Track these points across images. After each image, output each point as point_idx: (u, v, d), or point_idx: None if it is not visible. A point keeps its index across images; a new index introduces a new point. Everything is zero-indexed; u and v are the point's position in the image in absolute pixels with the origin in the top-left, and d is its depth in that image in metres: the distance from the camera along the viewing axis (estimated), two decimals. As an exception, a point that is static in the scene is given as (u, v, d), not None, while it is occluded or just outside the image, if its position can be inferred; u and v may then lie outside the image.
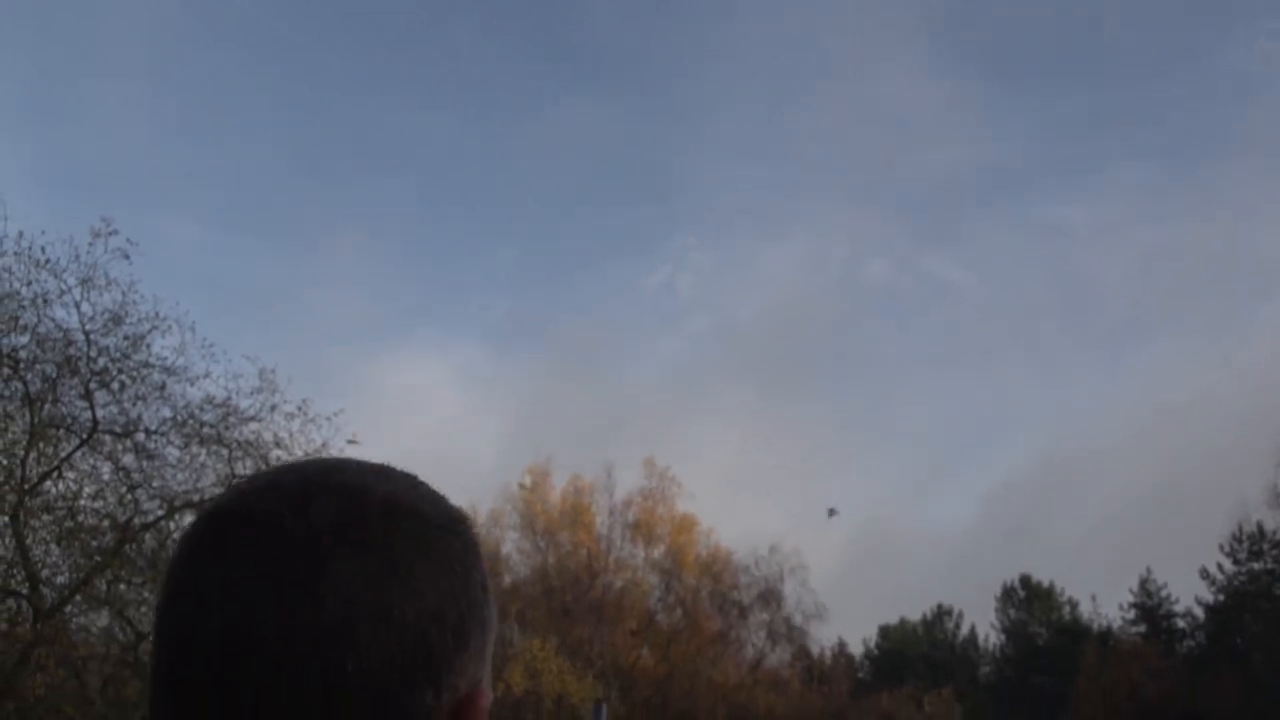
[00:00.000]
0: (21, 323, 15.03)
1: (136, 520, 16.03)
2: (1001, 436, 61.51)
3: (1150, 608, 41.17)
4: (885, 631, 47.31)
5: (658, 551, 37.18)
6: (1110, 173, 63.02)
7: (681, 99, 56.86)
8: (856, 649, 45.56)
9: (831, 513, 30.90)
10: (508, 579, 35.87)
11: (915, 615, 48.22)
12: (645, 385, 55.22)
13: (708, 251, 59.21)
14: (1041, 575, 45.85)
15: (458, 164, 55.30)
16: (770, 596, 36.34)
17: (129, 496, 16.23)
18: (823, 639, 39.39)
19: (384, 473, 0.83)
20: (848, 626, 59.10)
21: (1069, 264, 60.96)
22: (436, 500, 0.84)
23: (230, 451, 16.64)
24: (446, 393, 52.60)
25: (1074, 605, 45.17)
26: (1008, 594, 46.29)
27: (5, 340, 14.93)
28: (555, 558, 36.52)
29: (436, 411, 51.86)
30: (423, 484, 0.85)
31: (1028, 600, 45.86)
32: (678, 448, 55.03)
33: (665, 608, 36.70)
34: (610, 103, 56.61)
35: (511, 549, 36.63)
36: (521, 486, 36.52)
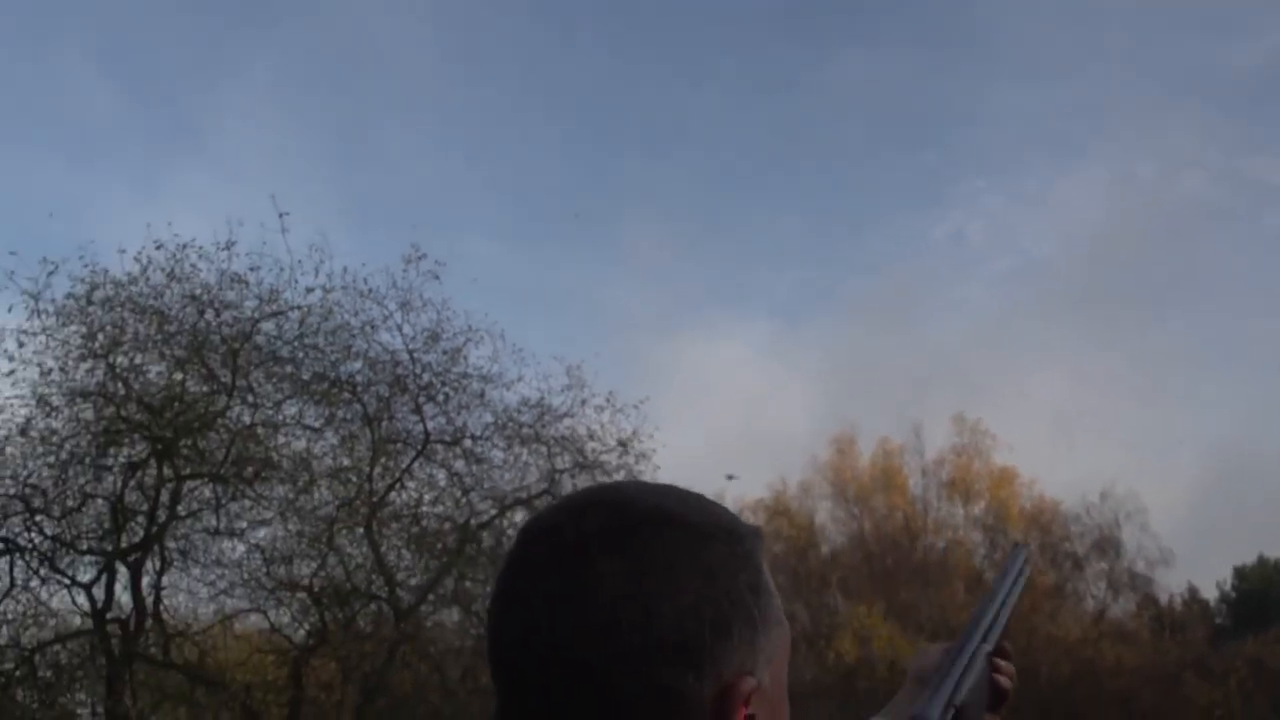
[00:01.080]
0: (354, 350, 16.29)
1: (473, 521, 17.05)
2: None
3: None
4: (1241, 573, 43.70)
5: (978, 508, 36.04)
6: None
7: (955, 31, 54.10)
8: (1210, 594, 42.32)
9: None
10: (825, 548, 35.76)
11: (1275, 553, 44.33)
12: (950, 339, 53.26)
13: (997, 193, 56.39)
14: None
15: (733, 138, 55.23)
16: (1107, 545, 34.42)
17: (464, 499, 17.29)
18: (1171, 586, 36.94)
19: (661, 490, 0.96)
20: (1199, 570, 55.23)
21: None
22: (707, 511, 0.94)
23: (549, 448, 17.41)
24: (747, 370, 52.69)
25: None
26: (1382, 522, 41.91)
27: (343, 368, 16.22)
28: (871, 523, 36.08)
29: (741, 390, 52.05)
30: (700, 498, 0.96)
31: (1407, 527, 41.36)
32: (996, 399, 52.75)
33: (993, 565, 35.44)
34: (882, 51, 54.81)
35: (825, 518, 36.48)
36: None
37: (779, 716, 0.96)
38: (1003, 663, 1.50)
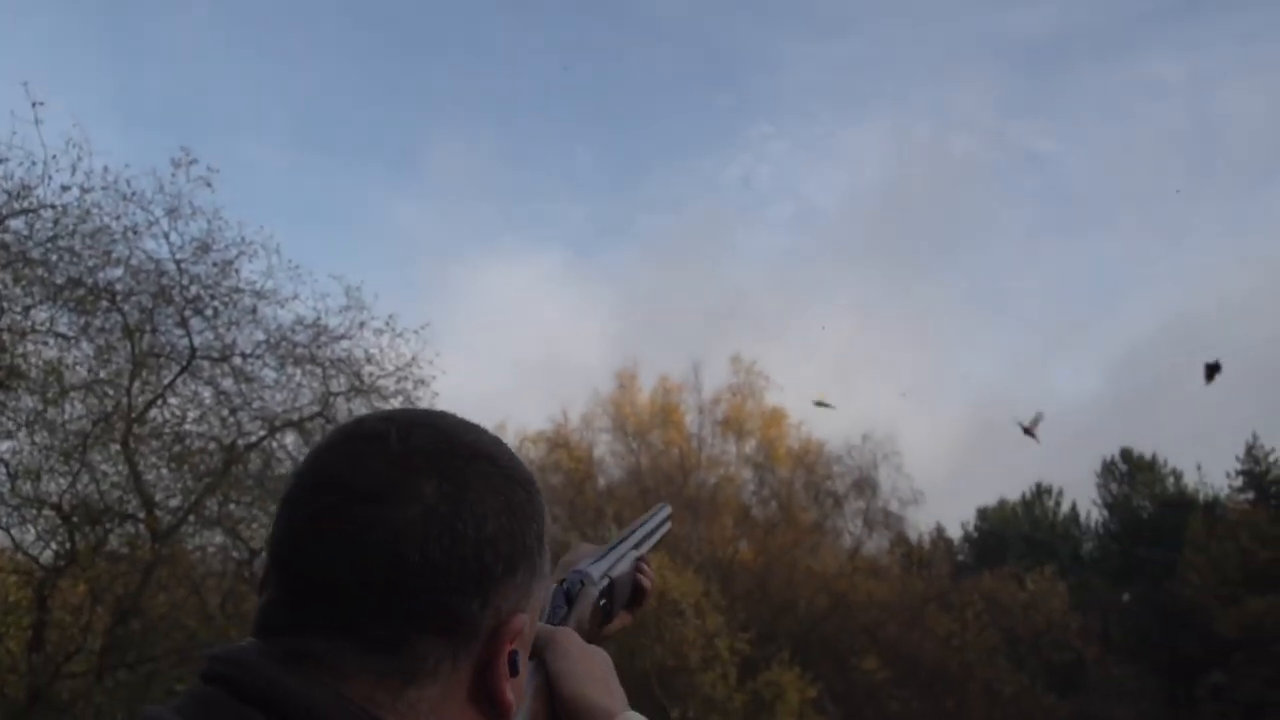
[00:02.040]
0: (114, 256, 15.36)
1: (240, 442, 16.48)
2: (1124, 303, 58.86)
3: (1258, 474, 40.35)
4: (983, 514, 46.95)
5: (749, 446, 37.28)
6: (1208, 19, 59.63)
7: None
8: (955, 533, 45.33)
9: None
10: (602, 481, 36.34)
11: (1014, 495, 47.81)
12: (737, 279, 54.66)
13: (785, 140, 57.88)
14: (1144, 448, 45.13)
15: (535, 66, 54.45)
16: (864, 485, 36.24)
17: (231, 419, 16.67)
18: (920, 524, 39.36)
19: (476, 428, 1.01)
20: (948, 511, 59.02)
21: (1171, 120, 57.86)
22: (511, 458, 1.00)
23: (324, 370, 16.96)
24: (538, 300, 52.70)
25: (1179, 477, 44.44)
26: (1108, 469, 45.60)
27: (101, 274, 15.28)
28: (648, 458, 36.84)
29: (531, 320, 52.01)
30: (504, 444, 1.01)
31: (1129, 474, 45.17)
32: (779, 340, 54.51)
33: (760, 501, 36.90)
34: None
35: (604, 451, 37.03)
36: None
37: (525, 662, 1.01)
38: (645, 566, 1.63)
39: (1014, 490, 47.73)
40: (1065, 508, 47.51)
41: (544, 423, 35.78)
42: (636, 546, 1.62)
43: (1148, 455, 45.50)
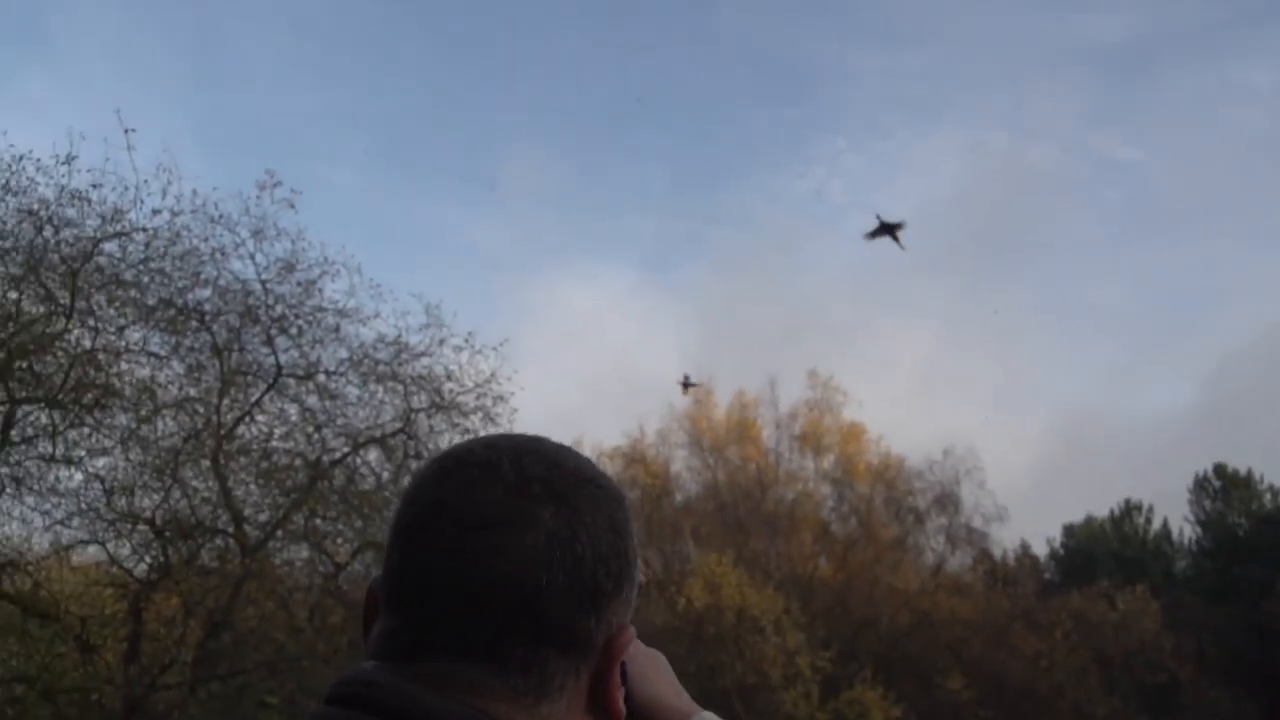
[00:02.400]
0: (203, 277, 15.75)
1: (325, 458, 16.75)
2: (1216, 314, 57.16)
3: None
4: (1070, 531, 45.91)
5: (827, 462, 36.94)
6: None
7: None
8: (1041, 550, 44.34)
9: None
10: (679, 497, 36.24)
11: (1102, 512, 46.68)
12: (811, 294, 54.37)
13: (859, 153, 57.48)
14: (1239, 463, 43.80)
15: (605, 85, 54.80)
16: (947, 501, 35.69)
17: (316, 435, 16.95)
18: (1004, 541, 38.64)
19: (574, 452, 1.05)
20: (1033, 527, 57.85)
21: (1260, 125, 56.27)
22: (609, 478, 1.05)
23: (405, 387, 17.18)
24: (612, 316, 52.89)
25: (1276, 493, 42.98)
26: (1201, 484, 44.35)
27: (190, 295, 15.67)
28: (725, 473, 36.68)
29: (605, 336, 52.21)
30: (597, 466, 1.06)
31: (1224, 490, 43.86)
32: (854, 354, 53.97)
33: (839, 517, 36.52)
34: (754, 6, 55.08)
35: (681, 467, 36.94)
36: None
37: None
38: None
39: (1102, 506, 46.64)
40: (1156, 524, 46.28)
41: (620, 438, 35.74)
42: None
43: (1243, 470, 44.17)
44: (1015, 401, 58.78)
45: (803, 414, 36.82)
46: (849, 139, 58.50)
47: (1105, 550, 43.67)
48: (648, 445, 35.96)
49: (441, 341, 17.09)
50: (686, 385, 29.09)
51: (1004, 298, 55.26)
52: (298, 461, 16.58)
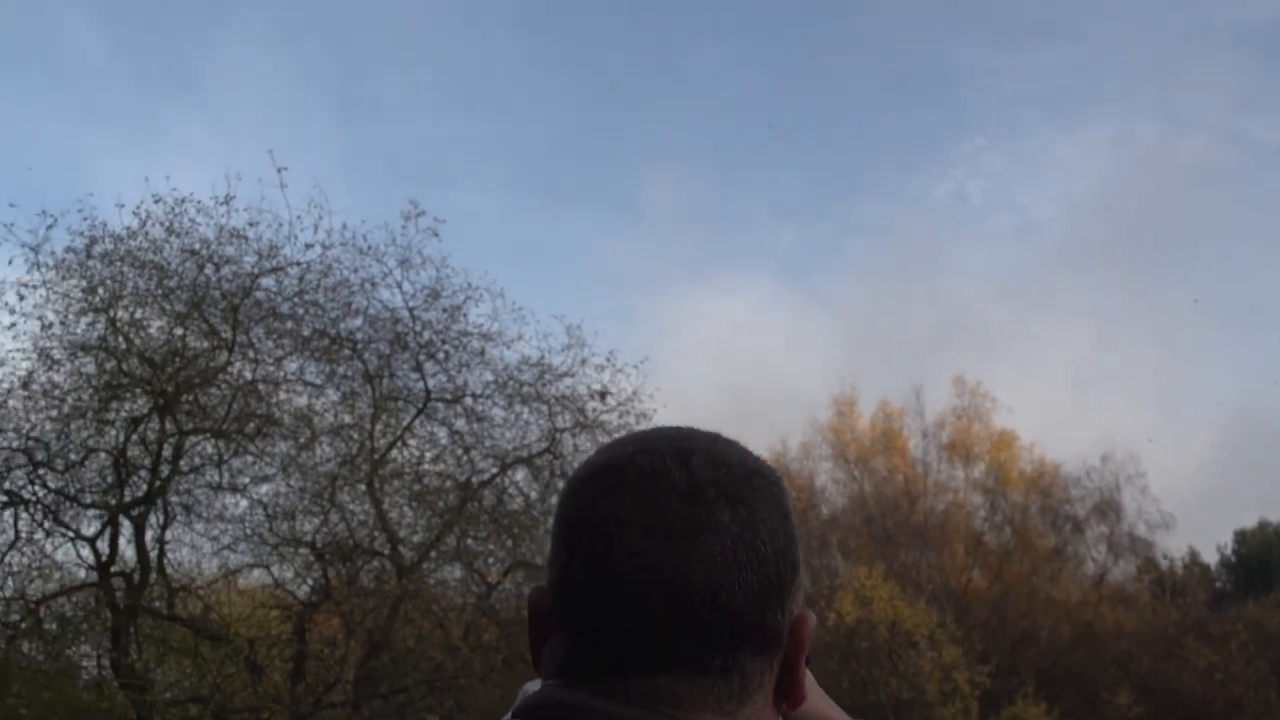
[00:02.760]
0: (354, 307, 16.25)
1: (475, 479, 17.07)
2: None
3: None
4: (1242, 537, 43.70)
5: (978, 471, 36.06)
6: None
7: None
8: (1211, 558, 42.28)
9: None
10: (825, 510, 35.81)
11: (1277, 517, 44.29)
12: (953, 298, 53.19)
13: (999, 152, 55.99)
14: None
15: (738, 95, 54.61)
16: (1107, 508, 34.44)
17: (465, 457, 17.30)
18: (1171, 550, 37.04)
19: (729, 442, 1.04)
20: (1203, 535, 55.33)
21: None
22: (763, 461, 1.03)
23: (550, 407, 17.40)
24: (752, 330, 52.65)
25: None
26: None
27: (343, 325, 16.18)
28: (871, 485, 36.12)
29: (747, 349, 51.98)
30: (750, 450, 1.04)
31: None
32: (1000, 359, 52.51)
33: (992, 527, 35.56)
34: (886, 8, 54.30)
35: (825, 480, 36.52)
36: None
37: None
38: None
39: (1275, 511, 44.27)
40: (1338, 529, 43.70)
41: (762, 452, 35.14)
42: None
43: None
44: (1179, 403, 56.30)
45: (950, 422, 36.08)
46: (988, 137, 57.00)
47: (1280, 556, 41.42)
48: (791, 459, 35.68)
49: (583, 361, 17.29)
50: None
51: (1160, 295, 53.01)
52: (448, 483, 16.96)
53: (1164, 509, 34.09)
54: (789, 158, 56.13)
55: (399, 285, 16.42)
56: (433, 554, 16.54)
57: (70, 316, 14.37)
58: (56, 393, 14.24)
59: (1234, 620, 30.80)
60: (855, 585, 27.52)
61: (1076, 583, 34.44)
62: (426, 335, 16.68)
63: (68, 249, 14.32)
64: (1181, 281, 54.71)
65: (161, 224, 14.71)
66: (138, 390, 14.46)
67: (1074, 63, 55.22)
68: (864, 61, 55.67)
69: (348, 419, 16.58)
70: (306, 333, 15.94)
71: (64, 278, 14.33)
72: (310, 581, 16.13)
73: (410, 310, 16.53)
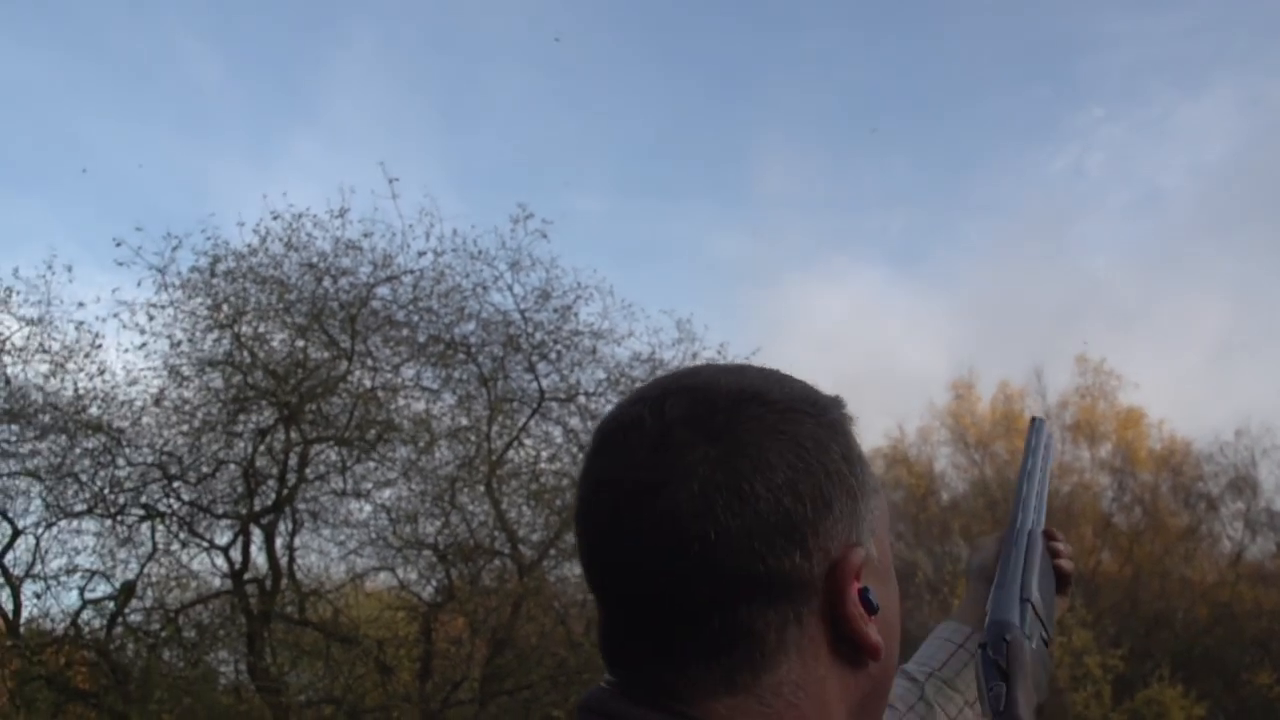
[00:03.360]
0: (467, 312, 16.52)
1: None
2: None
3: None
4: (1387, 509, 41.71)
5: (1104, 450, 35.02)
6: None
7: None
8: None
9: None
10: (945, 496, 35.24)
11: None
12: (1079, 276, 51.68)
13: (1118, 122, 54.15)
14: None
15: (840, 79, 53.95)
16: (1243, 484, 33.15)
17: (580, 455, 17.47)
18: (1312, 524, 35.57)
19: (737, 370, 0.92)
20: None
21: None
22: (786, 385, 0.90)
23: (662, 403, 17.43)
24: (866, 317, 51.97)
25: None
26: None
27: (457, 330, 16.47)
28: (992, 469, 35.36)
29: (861, 336, 51.33)
30: (778, 373, 0.92)
31: None
32: (1139, 335, 50.86)
33: (1121, 508, 34.55)
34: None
35: (945, 465, 35.88)
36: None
37: (889, 588, 0.92)
38: (1058, 544, 1.45)
39: None
40: None
41: (880, 439, 35.08)
42: (1034, 518, 1.36)
43: None
44: None
45: (1073, 402, 35.15)
46: (1106, 108, 55.22)
47: None
48: (909, 445, 35.22)
49: (694, 355, 17.29)
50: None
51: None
52: (564, 481, 17.13)
53: (1304, 482, 32.75)
54: (899, 141, 55.17)
55: (510, 288, 16.66)
56: (552, 551, 16.75)
57: (197, 334, 14.95)
58: (186, 408, 14.82)
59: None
60: (979, 571, 27.02)
61: (1212, 562, 33.29)
62: (538, 336, 16.89)
63: (193, 269, 14.90)
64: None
65: (280, 240, 15.21)
66: (263, 402, 14.95)
67: (1195, 25, 53.11)
68: (972, 37, 54.37)
69: (464, 421, 16.89)
70: (422, 339, 16.28)
71: (190, 296, 14.90)
72: (434, 583, 16.51)
73: (521, 312, 16.75)
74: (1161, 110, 53.62)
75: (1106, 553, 33.37)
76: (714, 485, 0.82)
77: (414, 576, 16.65)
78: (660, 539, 0.82)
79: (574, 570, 17.64)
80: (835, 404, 0.92)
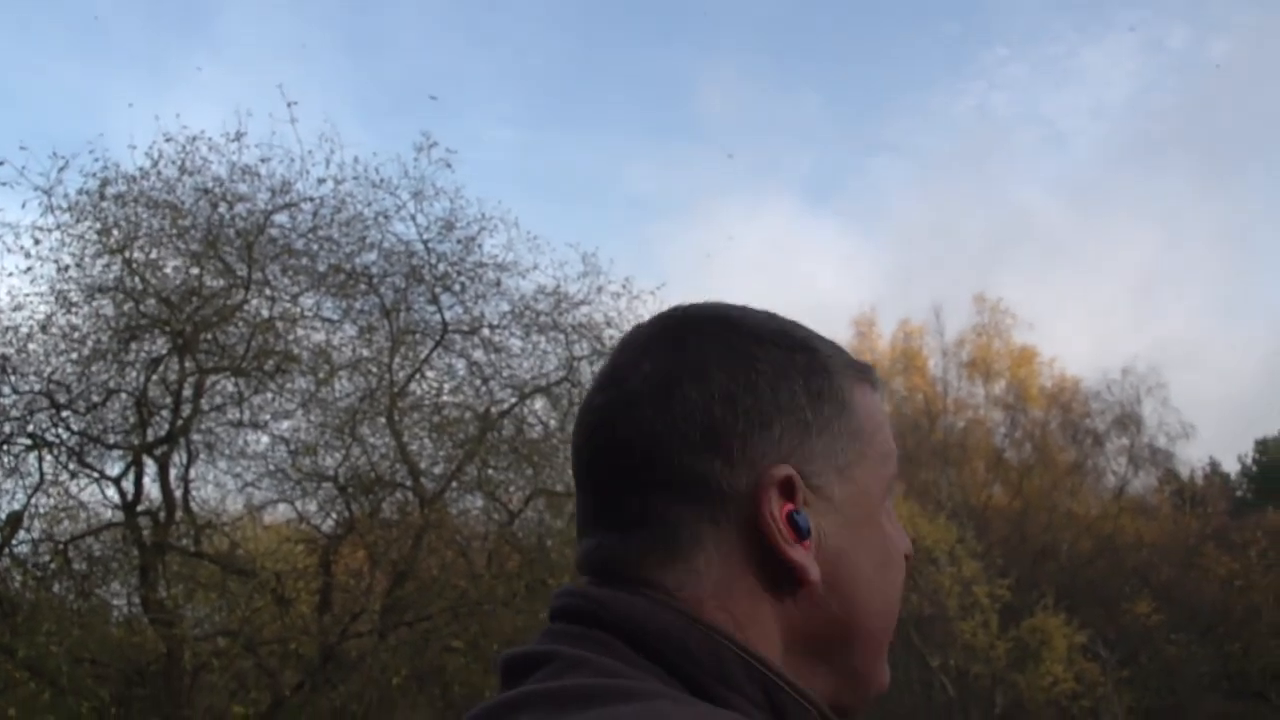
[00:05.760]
0: (368, 241, 16.22)
1: (493, 409, 17.16)
2: None
3: None
4: (1263, 445, 43.60)
5: (998, 388, 36.05)
6: None
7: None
8: (1233, 468, 42.24)
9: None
10: (846, 431, 35.86)
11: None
12: (981, 219, 52.70)
13: (1021, 63, 54.88)
14: None
15: (748, 16, 53.72)
16: (1128, 420, 34.44)
17: (484, 388, 17.38)
18: (1192, 460, 37.09)
19: (743, 307, 0.97)
20: (1224, 445, 55.31)
21: None
22: (776, 321, 0.95)
23: (567, 336, 17.41)
24: (771, 253, 52.38)
25: None
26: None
27: (358, 260, 16.17)
28: (891, 405, 36.15)
29: (766, 272, 51.80)
30: (781, 319, 0.96)
31: None
32: (1051, 275, 51.89)
33: (1013, 444, 35.65)
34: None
35: (846, 401, 36.45)
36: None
37: (857, 534, 0.91)
38: None
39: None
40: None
41: (780, 376, 35.45)
42: None
43: None
44: (1238, 310, 55.81)
45: (970, 340, 36.01)
46: (1010, 48, 55.89)
47: (1304, 466, 41.31)
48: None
49: (599, 289, 17.25)
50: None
51: (1212, 204, 52.11)
52: (467, 414, 17.06)
53: (1184, 419, 34.06)
54: (809, 77, 55.23)
55: (413, 218, 16.40)
56: (454, 484, 16.70)
57: (86, 259, 14.43)
58: (75, 335, 14.36)
59: (1254, 528, 30.87)
60: (875, 504, 27.66)
61: (1097, 496, 34.59)
62: (442, 267, 16.67)
63: (81, 191, 14.33)
64: (1236, 188, 53.91)
65: (174, 163, 14.69)
66: (156, 331, 14.56)
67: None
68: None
69: (366, 353, 16.66)
70: (322, 268, 15.96)
71: (78, 220, 14.35)
72: (334, 515, 16.35)
73: (425, 243, 16.51)
74: (1066, 49, 54.50)
75: (998, 487, 34.44)
76: (653, 380, 0.89)
77: (313, 509, 16.50)
78: (596, 432, 0.91)
79: (475, 503, 17.67)
80: (836, 353, 0.96)
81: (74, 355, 14.30)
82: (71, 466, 14.24)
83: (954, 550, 26.59)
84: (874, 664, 0.93)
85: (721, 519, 0.86)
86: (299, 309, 16.01)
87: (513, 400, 17.44)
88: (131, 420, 14.60)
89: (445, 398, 17.24)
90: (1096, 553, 31.79)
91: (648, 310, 17.48)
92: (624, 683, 0.78)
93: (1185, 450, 35.35)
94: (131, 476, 14.48)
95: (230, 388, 15.48)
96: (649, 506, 0.87)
